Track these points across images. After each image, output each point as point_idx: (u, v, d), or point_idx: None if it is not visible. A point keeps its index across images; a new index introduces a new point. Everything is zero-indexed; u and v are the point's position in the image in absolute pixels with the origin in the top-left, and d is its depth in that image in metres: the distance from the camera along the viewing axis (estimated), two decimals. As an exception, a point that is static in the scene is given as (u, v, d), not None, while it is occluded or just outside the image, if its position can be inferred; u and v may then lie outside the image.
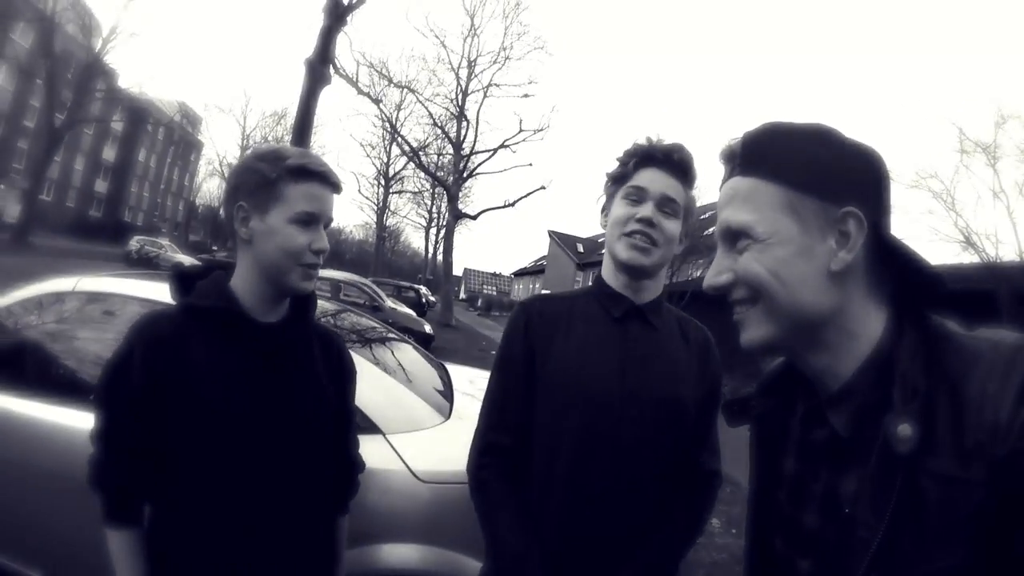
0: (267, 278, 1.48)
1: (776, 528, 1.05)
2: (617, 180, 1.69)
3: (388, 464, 2.45)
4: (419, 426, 2.73)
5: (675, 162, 1.62)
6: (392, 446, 2.51)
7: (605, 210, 1.73)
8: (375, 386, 2.72)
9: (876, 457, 0.83)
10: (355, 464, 1.83)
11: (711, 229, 24.37)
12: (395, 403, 2.79)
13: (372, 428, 2.51)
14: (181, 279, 1.54)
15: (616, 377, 1.57)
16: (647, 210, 1.59)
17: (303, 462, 1.54)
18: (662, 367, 1.62)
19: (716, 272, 0.98)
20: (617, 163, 1.70)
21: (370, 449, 2.23)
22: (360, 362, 2.87)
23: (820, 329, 0.91)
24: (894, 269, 0.91)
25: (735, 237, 0.95)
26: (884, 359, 0.88)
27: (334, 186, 1.50)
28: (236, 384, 1.43)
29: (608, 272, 1.71)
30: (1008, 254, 10.69)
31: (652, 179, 1.61)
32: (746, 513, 1.17)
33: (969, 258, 10.51)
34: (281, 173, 1.43)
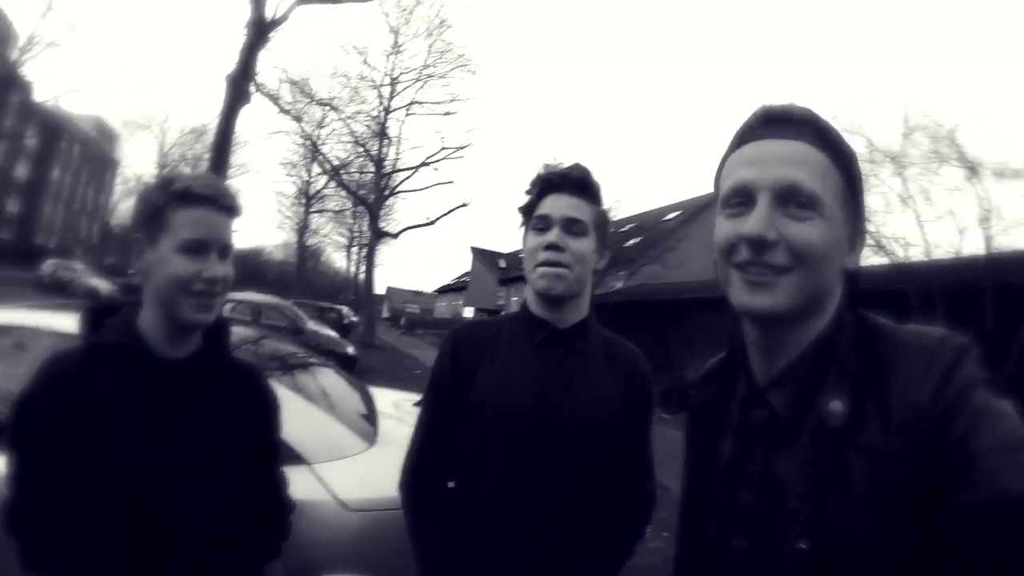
0: (163, 312, 1.40)
1: (710, 512, 1.10)
2: (526, 212, 1.73)
3: (315, 495, 2.43)
4: (344, 454, 2.73)
5: (573, 182, 1.66)
6: (318, 476, 2.50)
7: (524, 242, 1.75)
8: (298, 415, 2.70)
9: (809, 432, 0.90)
10: (284, 505, 1.78)
11: (631, 241, 24.81)
12: (319, 432, 2.78)
13: (297, 458, 2.49)
14: (92, 314, 1.48)
15: (535, 402, 1.60)
16: (552, 235, 1.61)
17: (214, 504, 1.46)
18: (583, 391, 1.64)
19: (765, 226, 0.91)
20: (525, 196, 1.74)
21: (296, 480, 2.23)
22: (282, 391, 2.85)
23: (812, 312, 0.96)
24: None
25: (795, 200, 0.92)
26: (826, 346, 0.95)
27: (227, 209, 1.42)
28: (141, 424, 1.36)
29: (531, 299, 1.73)
30: (916, 255, 11.20)
31: (554, 204, 1.65)
32: (679, 501, 1.23)
33: (880, 260, 10.96)
34: (167, 199, 1.37)
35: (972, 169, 10.79)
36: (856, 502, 0.83)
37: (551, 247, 1.61)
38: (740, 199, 0.96)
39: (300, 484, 2.33)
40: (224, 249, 1.42)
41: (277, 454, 1.73)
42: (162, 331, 1.42)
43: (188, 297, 1.36)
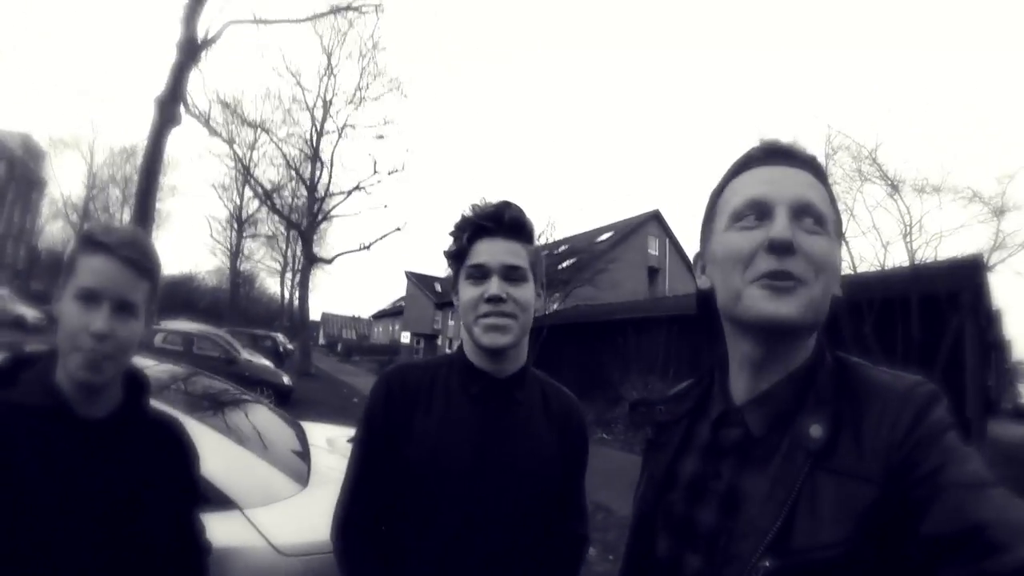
0: (63, 366, 1.30)
1: (664, 529, 1.11)
2: (456, 258, 1.61)
3: (249, 540, 2.36)
4: (277, 496, 2.67)
5: (507, 225, 1.56)
6: (251, 521, 2.43)
7: (455, 290, 1.65)
8: (229, 459, 2.65)
9: (785, 451, 0.94)
10: (201, 549, 1.67)
11: (565, 264, 25.07)
12: (251, 475, 2.71)
13: (229, 504, 2.43)
14: (5, 367, 1.36)
15: (474, 456, 1.52)
16: (493, 287, 1.51)
17: (132, 560, 1.36)
18: (522, 443, 1.58)
19: (792, 234, 0.94)
20: (452, 239, 1.63)
21: (229, 526, 2.15)
22: (213, 434, 2.80)
23: (804, 338, 1.01)
24: None
25: (810, 216, 0.97)
26: (803, 375, 1.00)
27: (126, 261, 1.30)
28: (58, 489, 1.26)
29: (469, 347, 1.63)
30: (843, 269, 11.58)
31: (490, 251, 1.54)
32: (631, 517, 1.23)
33: None
34: (77, 245, 1.30)
35: (894, 186, 11.20)
36: (824, 522, 0.86)
37: (493, 299, 1.51)
38: (755, 213, 1.00)
39: (233, 530, 2.26)
40: (123, 306, 1.31)
41: (197, 501, 1.65)
42: (74, 389, 1.31)
43: (75, 351, 1.27)
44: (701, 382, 1.20)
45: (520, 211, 1.61)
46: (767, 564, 0.87)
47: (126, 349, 1.33)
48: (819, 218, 0.97)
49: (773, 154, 1.04)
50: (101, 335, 1.26)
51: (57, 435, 1.29)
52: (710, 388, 1.17)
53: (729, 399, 1.09)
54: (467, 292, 1.56)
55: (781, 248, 0.94)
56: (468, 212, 1.61)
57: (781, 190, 0.98)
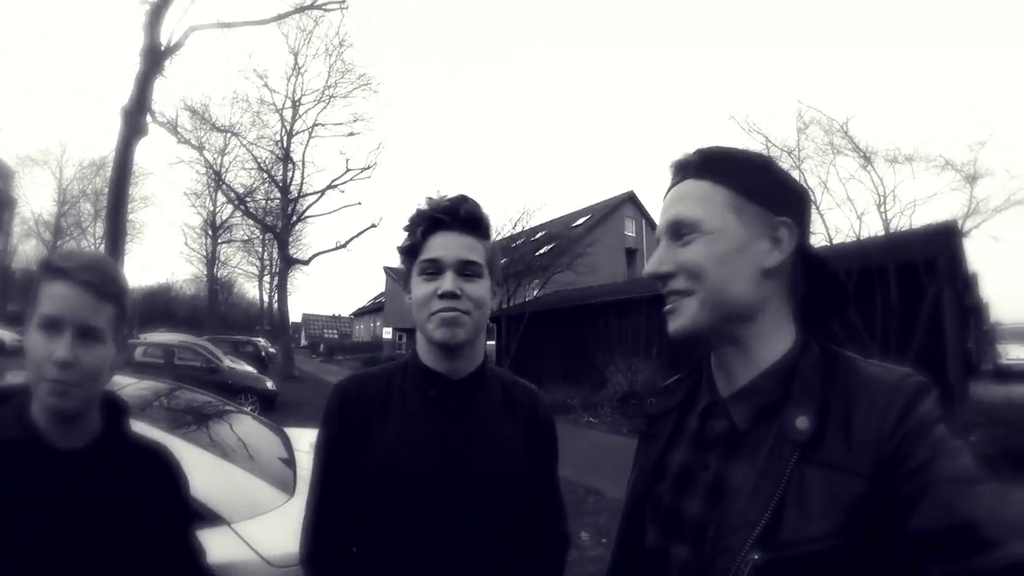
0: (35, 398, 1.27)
1: (653, 520, 1.12)
2: (409, 253, 1.55)
3: (239, 555, 2.35)
4: (265, 508, 2.65)
5: (463, 219, 1.51)
6: (240, 535, 2.42)
7: (407, 288, 1.59)
8: (215, 474, 2.63)
9: (771, 444, 0.94)
10: (204, 574, 1.61)
11: (543, 250, 25.12)
12: (238, 488, 2.69)
13: (217, 519, 2.41)
14: None
15: (436, 463, 1.47)
16: (447, 283, 1.46)
17: None
18: (486, 444, 1.52)
19: (659, 262, 1.05)
20: (405, 233, 1.57)
21: (218, 541, 2.12)
22: (198, 451, 2.77)
23: (740, 324, 1.03)
24: (808, 282, 1.07)
25: (682, 231, 1.04)
26: (788, 368, 1.00)
27: (86, 285, 1.25)
28: (43, 526, 1.23)
29: (423, 348, 1.58)
30: (819, 242, 11.74)
31: (444, 245, 1.49)
32: (622, 508, 1.25)
33: None
34: (39, 274, 1.27)
35: (866, 157, 11.29)
36: (812, 515, 0.86)
37: (447, 295, 1.46)
38: (658, 240, 1.10)
39: (221, 545, 2.24)
40: (86, 331, 1.26)
41: (190, 525, 1.60)
42: (49, 420, 1.28)
43: (43, 382, 1.23)
44: (691, 374, 1.21)
45: (476, 205, 1.56)
46: (756, 557, 0.87)
47: (94, 376, 1.28)
48: (688, 226, 1.04)
49: (673, 173, 1.14)
50: (64, 363, 1.22)
51: (35, 469, 1.26)
52: (699, 380, 1.18)
53: (715, 391, 1.10)
54: (420, 288, 1.50)
55: (658, 280, 1.07)
56: (423, 205, 1.55)
57: (663, 218, 1.10)
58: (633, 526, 1.18)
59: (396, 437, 1.49)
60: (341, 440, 1.51)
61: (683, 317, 1.03)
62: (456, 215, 1.51)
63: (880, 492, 0.82)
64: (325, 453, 1.54)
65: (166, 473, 1.53)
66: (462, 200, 1.53)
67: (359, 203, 42.17)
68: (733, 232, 1.02)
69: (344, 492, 1.50)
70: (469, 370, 1.58)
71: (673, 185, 1.11)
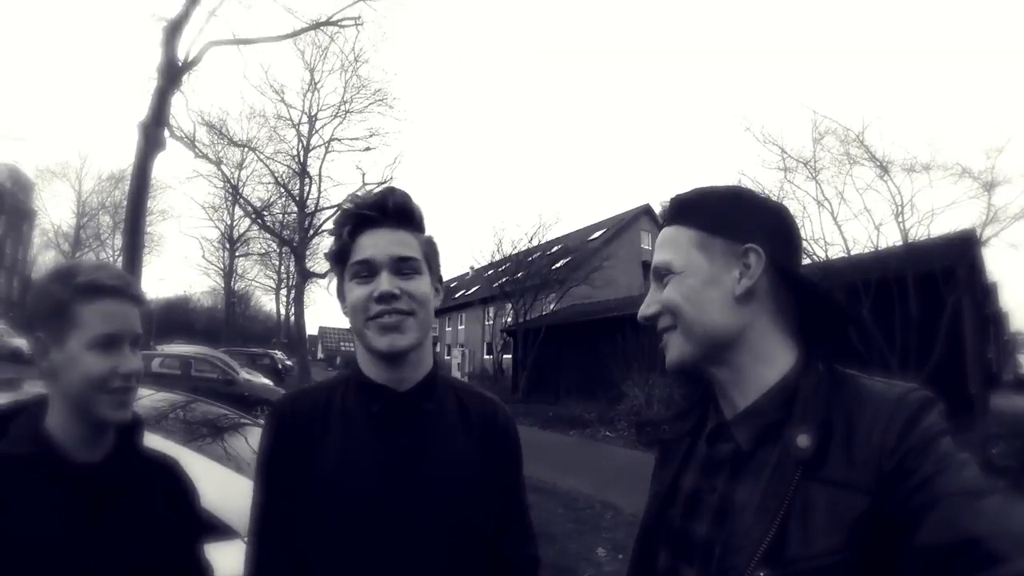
0: (78, 413, 1.29)
1: (664, 542, 1.13)
2: (338, 258, 1.42)
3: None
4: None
5: (393, 213, 1.38)
6: (253, 549, 2.38)
7: (340, 295, 1.46)
8: (229, 487, 2.61)
9: (775, 462, 0.95)
10: None
11: (559, 264, 25.13)
12: (250, 502, 2.64)
13: (230, 532, 2.39)
14: None
15: (381, 485, 1.33)
16: (383, 283, 1.33)
17: None
18: (437, 461, 1.38)
19: (646, 305, 1.13)
20: (332, 238, 1.45)
21: (230, 554, 2.11)
22: (212, 464, 2.78)
23: (729, 349, 1.06)
24: (801, 301, 1.08)
25: (661, 274, 1.11)
26: (790, 388, 1.02)
27: (135, 299, 1.33)
28: (60, 540, 1.23)
29: (363, 359, 1.44)
30: (837, 253, 11.70)
31: (375, 244, 1.36)
32: (637, 532, 1.24)
33: (802, 262, 11.48)
34: (72, 294, 1.27)
35: (883, 167, 11.22)
36: (817, 532, 0.86)
37: (384, 297, 1.32)
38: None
39: (236, 559, 2.22)
40: (136, 340, 1.33)
41: (201, 540, 1.59)
42: (76, 434, 1.30)
43: (104, 395, 1.27)
44: (703, 399, 1.22)
45: (406, 195, 1.43)
46: (762, 575, 0.88)
47: (142, 380, 1.36)
48: (665, 269, 1.11)
49: (662, 216, 1.22)
50: (131, 374, 1.30)
51: (51, 484, 1.26)
52: (707, 404, 1.20)
53: (721, 414, 1.12)
54: (354, 293, 1.36)
55: (645, 322, 1.16)
56: (347, 204, 1.42)
57: (654, 259, 1.18)
58: (646, 551, 1.19)
59: (337, 458, 1.36)
60: (279, 460, 1.39)
61: (673, 351, 1.10)
62: (384, 209, 1.38)
63: (884, 507, 0.82)
64: (262, 475, 1.41)
65: (177, 487, 1.53)
66: (389, 192, 1.42)
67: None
68: (698, 268, 1.07)
69: (285, 514, 1.36)
70: (416, 379, 1.43)
71: (662, 227, 1.19)
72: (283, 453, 1.38)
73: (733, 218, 1.09)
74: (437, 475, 1.36)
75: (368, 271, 1.35)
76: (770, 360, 1.05)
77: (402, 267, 1.35)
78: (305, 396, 1.49)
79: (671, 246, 1.12)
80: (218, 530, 2.35)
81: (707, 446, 1.13)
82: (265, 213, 33.41)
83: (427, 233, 1.48)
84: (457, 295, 43.90)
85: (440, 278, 1.50)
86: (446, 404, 1.47)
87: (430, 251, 1.45)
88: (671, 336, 1.09)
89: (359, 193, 1.40)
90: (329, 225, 32.59)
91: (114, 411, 1.29)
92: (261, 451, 1.42)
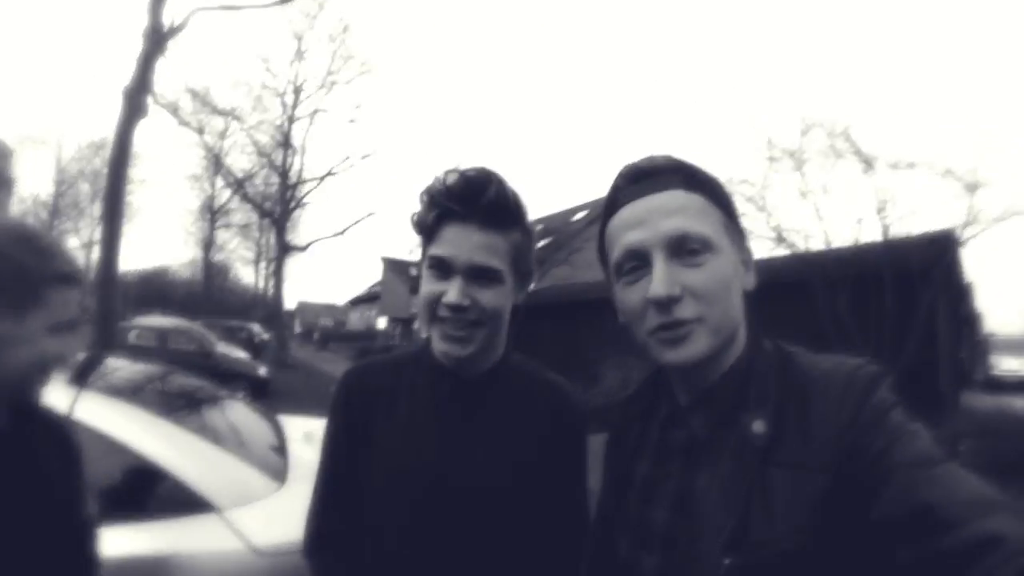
0: (8, 388, 1.24)
1: (623, 531, 1.10)
2: (423, 231, 1.33)
3: (228, 543, 2.34)
4: (255, 496, 2.63)
5: (483, 211, 1.25)
6: (229, 523, 2.41)
7: (419, 268, 1.38)
8: (206, 460, 2.62)
9: (732, 450, 0.94)
10: (92, 562, 1.50)
11: (540, 244, 24.99)
12: (228, 476, 2.67)
13: (206, 506, 2.41)
14: None
15: (437, 470, 1.31)
16: (454, 293, 1.24)
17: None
18: (496, 454, 1.34)
19: (671, 283, 0.94)
20: (420, 207, 1.33)
21: (208, 529, 2.13)
22: (189, 435, 2.77)
23: (730, 342, 1.01)
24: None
25: (688, 247, 0.96)
26: (743, 371, 1.00)
27: (80, 285, 1.33)
28: None
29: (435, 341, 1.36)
30: (817, 245, 11.80)
31: (457, 243, 1.25)
32: (591, 520, 1.25)
33: (782, 252, 11.53)
34: (48, 276, 1.23)
35: (868, 162, 11.29)
36: (779, 516, 0.86)
37: (452, 307, 1.25)
38: (635, 263, 1.00)
39: (212, 533, 2.23)
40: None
41: (84, 507, 1.51)
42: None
43: (45, 377, 1.28)
44: (654, 382, 1.19)
45: (503, 189, 1.28)
46: (727, 562, 0.87)
47: None
48: (700, 244, 0.96)
49: (635, 180, 1.04)
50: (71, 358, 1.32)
51: None
52: (658, 389, 1.17)
53: (674, 399, 1.09)
54: (426, 285, 1.30)
55: (662, 305, 0.95)
56: (439, 184, 1.29)
57: (652, 230, 0.98)
58: (604, 538, 1.17)
59: (400, 435, 1.36)
60: (345, 431, 1.42)
61: (698, 345, 0.95)
62: (476, 207, 1.25)
63: (843, 485, 0.83)
64: (329, 447, 1.44)
65: (66, 447, 1.48)
66: (485, 184, 1.27)
67: (359, 190, 42.02)
68: (730, 253, 1.00)
69: (347, 484, 1.40)
70: (486, 366, 1.41)
71: (649, 192, 1.02)
72: (350, 423, 1.41)
73: (733, 209, 1.06)
74: (494, 468, 1.33)
75: (442, 269, 1.27)
76: (738, 347, 1.03)
77: (479, 276, 1.26)
78: (373, 369, 1.49)
79: (705, 220, 0.98)
80: (193, 503, 2.37)
81: (660, 432, 1.10)
82: (247, 184, 33.17)
83: (520, 232, 1.34)
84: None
85: (529, 272, 1.41)
86: (514, 390, 1.43)
87: (519, 253, 1.34)
88: (696, 327, 0.95)
89: (458, 168, 1.28)
90: (312, 197, 32.57)
91: (40, 390, 1.30)
92: (331, 420, 1.45)
